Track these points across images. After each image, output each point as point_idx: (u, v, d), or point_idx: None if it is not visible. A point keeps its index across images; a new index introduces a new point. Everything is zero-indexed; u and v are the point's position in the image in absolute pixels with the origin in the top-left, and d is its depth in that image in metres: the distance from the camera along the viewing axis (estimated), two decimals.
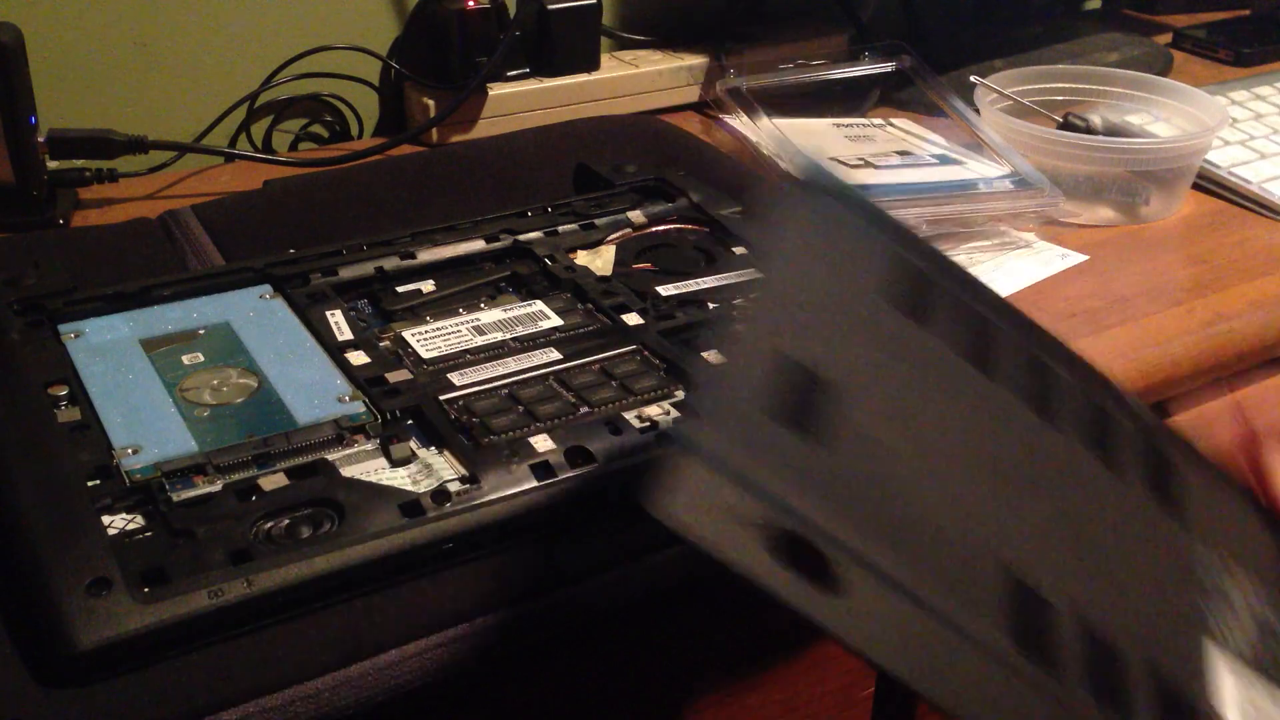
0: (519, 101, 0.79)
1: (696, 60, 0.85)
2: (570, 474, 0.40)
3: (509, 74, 0.80)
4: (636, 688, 0.45)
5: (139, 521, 0.38)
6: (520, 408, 0.44)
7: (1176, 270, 0.65)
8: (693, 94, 0.85)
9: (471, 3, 0.76)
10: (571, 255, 0.56)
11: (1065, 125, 0.73)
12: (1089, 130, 0.72)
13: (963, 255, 0.66)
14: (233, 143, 0.79)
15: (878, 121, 0.81)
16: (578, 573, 0.39)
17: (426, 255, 0.54)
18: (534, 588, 0.38)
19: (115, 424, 0.42)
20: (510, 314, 0.51)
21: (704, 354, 0.47)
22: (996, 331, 0.34)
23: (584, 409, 0.44)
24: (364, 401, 0.44)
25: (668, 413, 0.43)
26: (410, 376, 0.46)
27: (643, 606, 0.39)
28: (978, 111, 0.75)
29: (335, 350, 0.47)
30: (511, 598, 0.37)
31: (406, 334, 0.49)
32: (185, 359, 0.47)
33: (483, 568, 0.38)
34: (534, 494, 0.40)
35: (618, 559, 0.39)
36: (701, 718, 0.47)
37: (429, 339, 0.49)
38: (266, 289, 0.52)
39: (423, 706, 0.37)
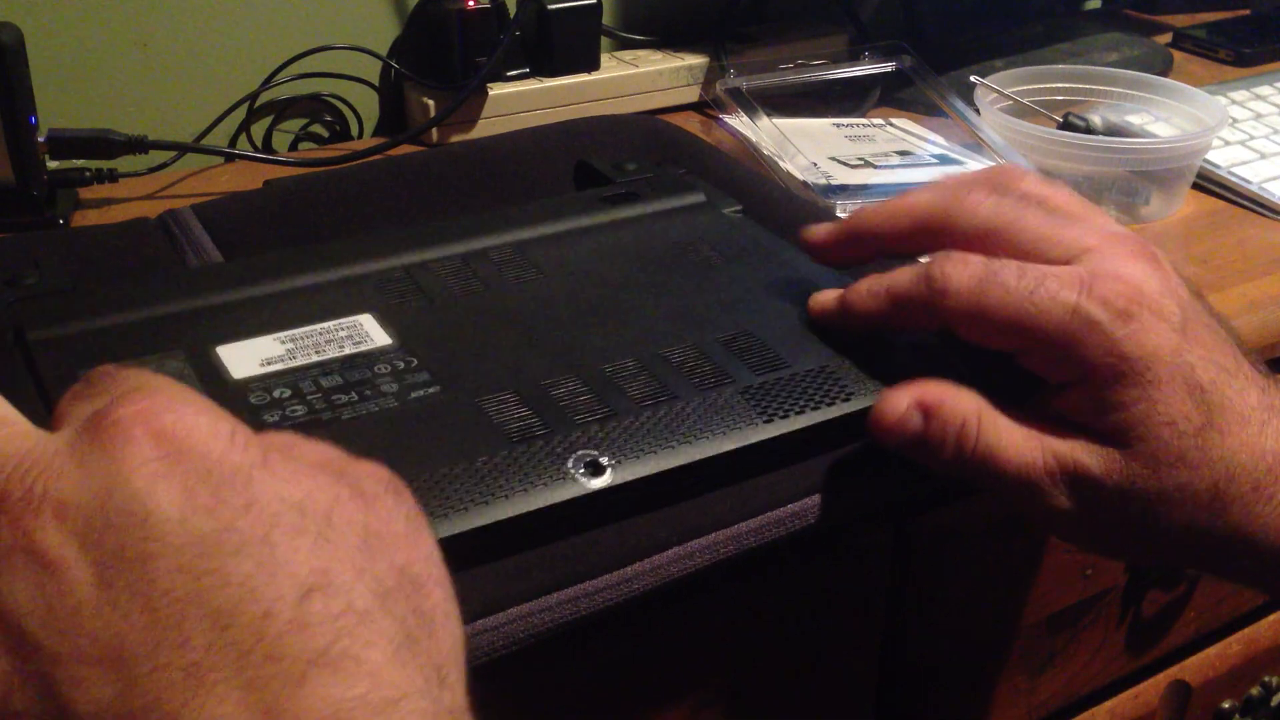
0: (519, 101, 0.79)
1: (696, 60, 0.85)
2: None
3: (509, 74, 0.80)
4: (637, 685, 0.45)
5: None
6: None
7: None
8: (693, 94, 0.85)
9: (471, 3, 0.76)
10: None
11: (1065, 125, 0.73)
12: (1089, 130, 0.72)
13: None
14: (233, 143, 0.79)
15: (878, 121, 0.81)
16: (580, 572, 0.39)
17: None
18: (537, 588, 0.38)
19: None
20: None
21: None
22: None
23: None
24: None
25: None
26: None
27: (643, 605, 0.39)
28: (978, 111, 0.75)
29: None
30: (512, 598, 0.37)
31: None
32: None
33: (477, 571, 0.38)
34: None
35: (622, 560, 0.39)
36: (703, 715, 0.47)
37: None
38: None
39: None
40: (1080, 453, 0.40)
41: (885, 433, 0.41)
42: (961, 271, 0.41)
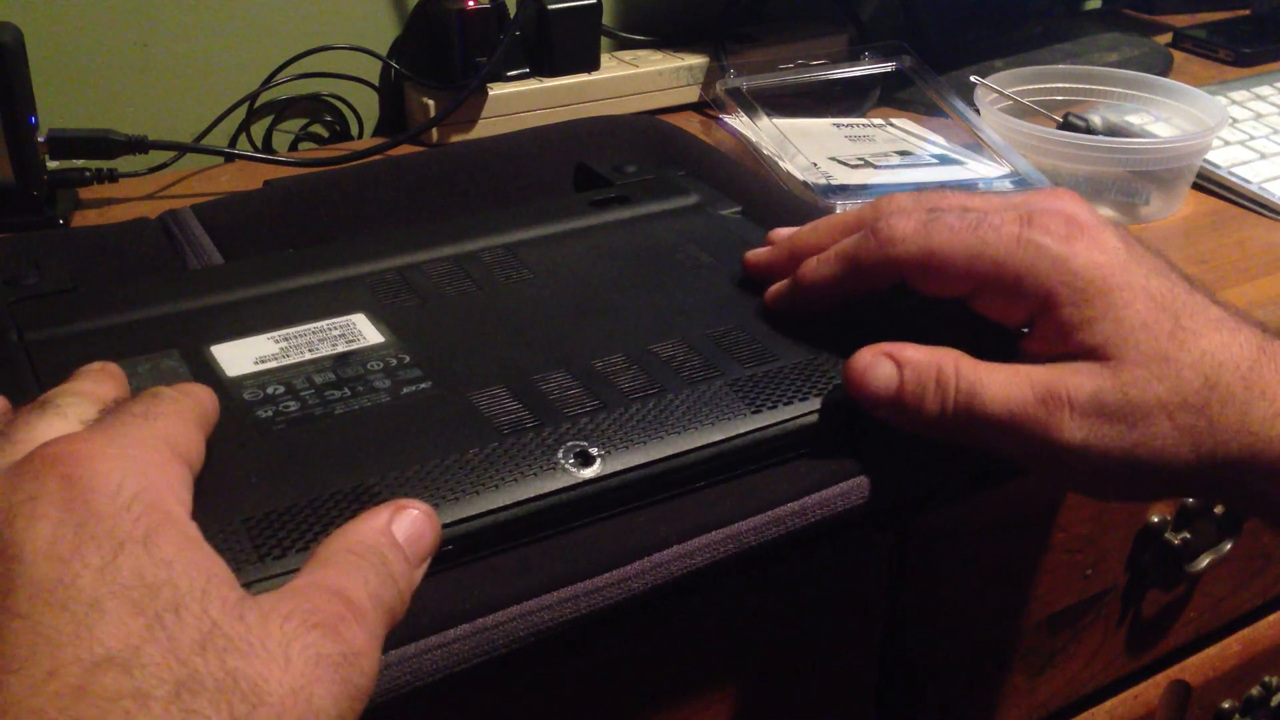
0: (519, 101, 0.79)
1: (696, 60, 0.85)
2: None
3: (509, 74, 0.80)
4: (637, 685, 0.46)
5: None
6: None
7: None
8: (693, 94, 0.85)
9: (471, 3, 0.76)
10: None
11: (1065, 125, 0.73)
12: (1089, 130, 0.72)
13: None
14: (233, 143, 0.79)
15: (878, 121, 0.81)
16: (580, 571, 0.39)
17: None
18: (537, 586, 0.38)
19: None
20: None
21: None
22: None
23: None
24: None
25: None
26: None
27: (643, 604, 0.39)
28: (978, 111, 0.75)
29: None
30: (512, 596, 0.37)
31: None
32: None
33: (477, 569, 0.38)
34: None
35: (622, 558, 0.39)
36: (703, 715, 0.47)
37: None
38: None
39: (416, 708, 0.37)
40: (1068, 375, 0.39)
41: (857, 386, 0.42)
42: (906, 220, 0.42)
